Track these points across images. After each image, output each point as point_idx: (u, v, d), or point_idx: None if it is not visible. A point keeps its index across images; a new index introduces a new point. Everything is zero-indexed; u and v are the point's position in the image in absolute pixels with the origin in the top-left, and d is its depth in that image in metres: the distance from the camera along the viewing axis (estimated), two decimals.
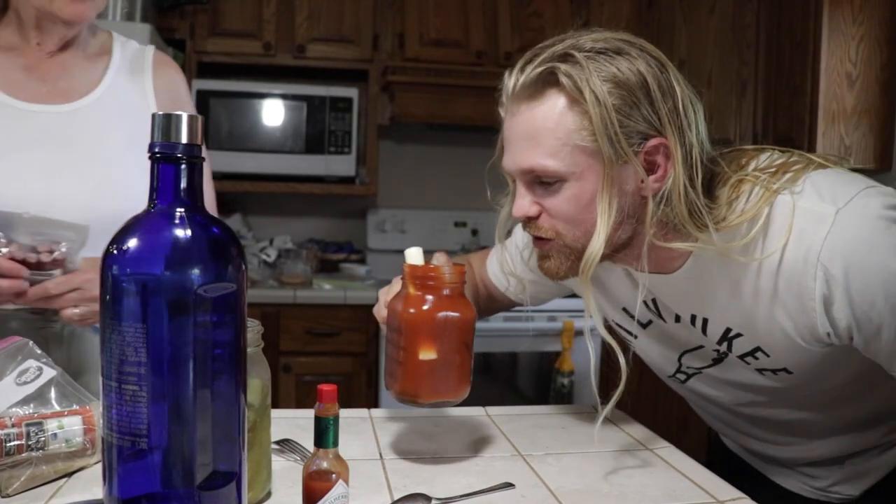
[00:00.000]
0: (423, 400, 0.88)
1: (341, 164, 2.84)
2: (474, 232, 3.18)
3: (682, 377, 1.06)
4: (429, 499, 0.80)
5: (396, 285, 0.96)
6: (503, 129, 0.89)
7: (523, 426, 1.09)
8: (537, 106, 0.83)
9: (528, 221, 0.88)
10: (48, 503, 0.76)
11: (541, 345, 2.66)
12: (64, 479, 0.82)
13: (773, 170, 0.86)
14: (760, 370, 0.94)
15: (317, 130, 2.80)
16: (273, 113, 2.79)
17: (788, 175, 0.85)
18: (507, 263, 1.13)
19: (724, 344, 0.94)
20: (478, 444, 1.01)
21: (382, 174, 3.08)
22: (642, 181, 0.83)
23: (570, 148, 0.81)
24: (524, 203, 0.87)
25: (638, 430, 1.09)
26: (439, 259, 0.92)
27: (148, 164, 0.60)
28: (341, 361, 2.61)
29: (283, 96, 2.79)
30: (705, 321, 0.93)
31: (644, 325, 1.03)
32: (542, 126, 0.82)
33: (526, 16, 2.89)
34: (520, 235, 1.11)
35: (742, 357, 0.93)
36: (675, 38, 3.00)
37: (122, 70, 1.18)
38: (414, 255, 0.91)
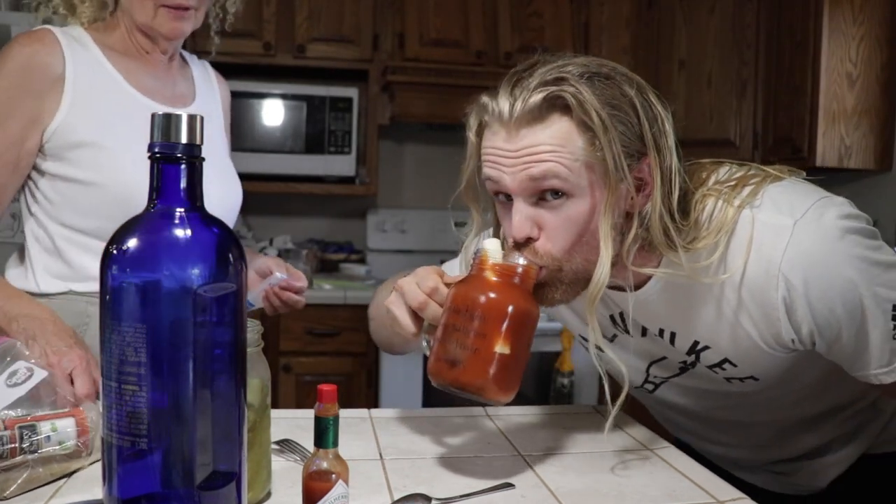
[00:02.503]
0: (487, 395, 0.83)
1: (341, 164, 2.84)
2: None
3: (651, 387, 1.07)
4: (429, 499, 0.80)
5: (428, 277, 0.90)
6: (485, 153, 0.86)
7: (523, 426, 1.09)
8: (543, 128, 0.82)
9: (525, 244, 0.86)
10: (48, 503, 0.77)
11: (541, 345, 2.65)
12: (63, 480, 0.82)
13: (732, 183, 0.88)
14: (728, 379, 0.96)
15: (317, 130, 2.80)
16: (273, 113, 2.79)
17: (748, 188, 0.87)
18: None
19: (693, 356, 0.95)
20: (478, 444, 1.01)
21: (382, 174, 3.08)
22: (632, 199, 0.84)
23: (581, 164, 0.82)
24: (525, 224, 0.84)
25: (638, 430, 1.09)
26: (518, 257, 0.87)
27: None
28: (341, 361, 2.61)
29: (283, 96, 2.79)
30: (673, 335, 0.95)
31: (609, 340, 1.03)
32: (551, 143, 0.82)
33: (526, 16, 2.89)
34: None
35: (710, 367, 0.95)
36: (675, 38, 3.00)
37: (201, 81, 1.30)
38: (493, 249, 0.86)
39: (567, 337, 2.59)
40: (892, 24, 2.45)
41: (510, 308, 0.82)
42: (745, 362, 0.92)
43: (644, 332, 0.98)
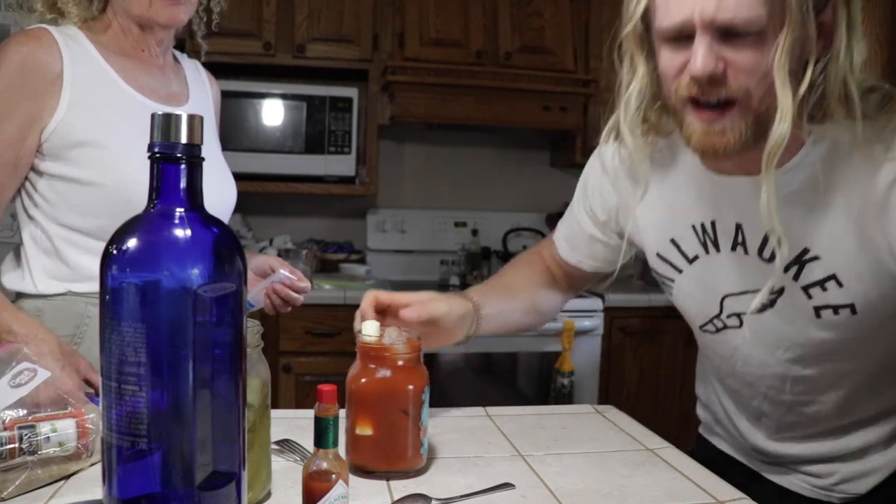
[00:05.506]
0: (373, 468, 0.87)
1: (341, 164, 2.84)
2: (474, 232, 3.18)
3: (719, 325, 1.01)
4: (429, 499, 0.80)
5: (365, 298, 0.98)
6: None
7: (523, 426, 1.09)
8: None
9: (709, 82, 0.81)
10: (47, 503, 0.76)
11: (541, 345, 2.65)
12: (63, 480, 0.82)
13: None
14: (820, 308, 0.89)
15: (317, 130, 2.80)
16: (273, 113, 2.79)
17: None
18: (574, 230, 1.16)
19: (793, 269, 0.89)
20: (478, 444, 1.01)
21: (382, 174, 3.07)
22: (813, 45, 0.78)
23: None
24: (709, 59, 0.79)
25: (638, 430, 1.09)
26: (390, 334, 0.90)
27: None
28: (341, 361, 2.59)
29: (283, 96, 2.79)
30: (779, 241, 0.87)
31: (689, 261, 1.00)
32: None
33: (526, 16, 2.89)
34: (578, 201, 1.13)
35: (807, 288, 0.89)
36: None
37: (193, 80, 1.30)
38: (366, 332, 0.90)
39: (567, 337, 2.59)
40: (893, 24, 2.45)
41: (364, 390, 0.87)
42: (856, 281, 0.86)
43: (735, 245, 0.93)
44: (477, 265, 3.03)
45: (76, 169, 1.08)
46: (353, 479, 0.82)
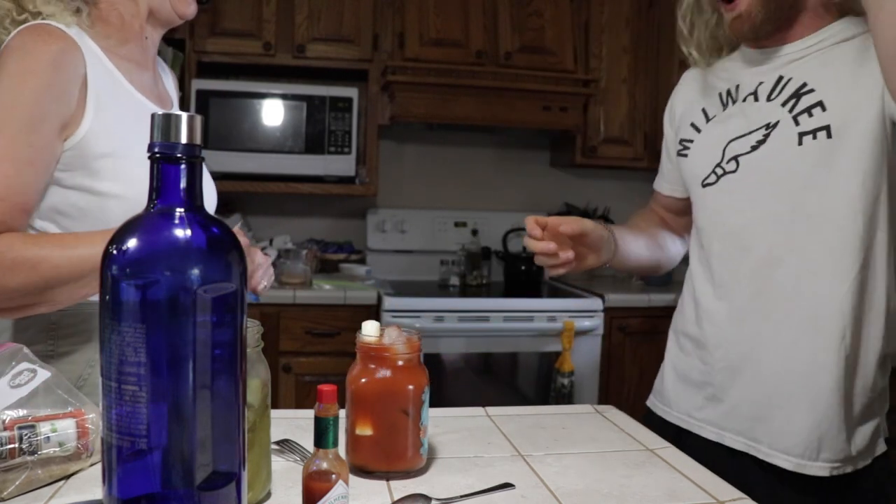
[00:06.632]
0: (372, 468, 0.87)
1: (341, 164, 2.84)
2: (474, 232, 3.18)
3: (717, 175, 1.16)
4: (429, 499, 0.80)
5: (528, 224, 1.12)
6: None
7: (523, 426, 1.09)
8: None
9: None
10: (47, 503, 0.76)
11: (541, 345, 2.65)
12: (62, 480, 0.82)
13: None
14: (804, 133, 1.05)
15: (317, 130, 2.80)
16: (273, 113, 2.79)
17: None
18: (662, 159, 1.36)
19: (791, 103, 1.08)
20: (478, 444, 1.01)
21: (382, 174, 3.08)
22: None
23: None
24: None
25: (638, 430, 1.09)
26: (389, 334, 0.90)
27: None
28: (341, 361, 2.61)
29: (283, 96, 2.79)
30: (788, 80, 1.09)
31: (709, 119, 1.21)
32: None
33: (526, 15, 2.89)
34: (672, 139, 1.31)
35: (797, 116, 1.06)
36: (675, 38, 2.99)
37: (167, 78, 1.28)
38: (366, 332, 0.89)
39: (567, 337, 2.59)
40: None
41: (365, 390, 0.87)
42: (837, 106, 1.03)
43: (752, 91, 1.13)
44: (477, 265, 3.03)
45: (98, 181, 1.02)
46: (353, 479, 0.82)
